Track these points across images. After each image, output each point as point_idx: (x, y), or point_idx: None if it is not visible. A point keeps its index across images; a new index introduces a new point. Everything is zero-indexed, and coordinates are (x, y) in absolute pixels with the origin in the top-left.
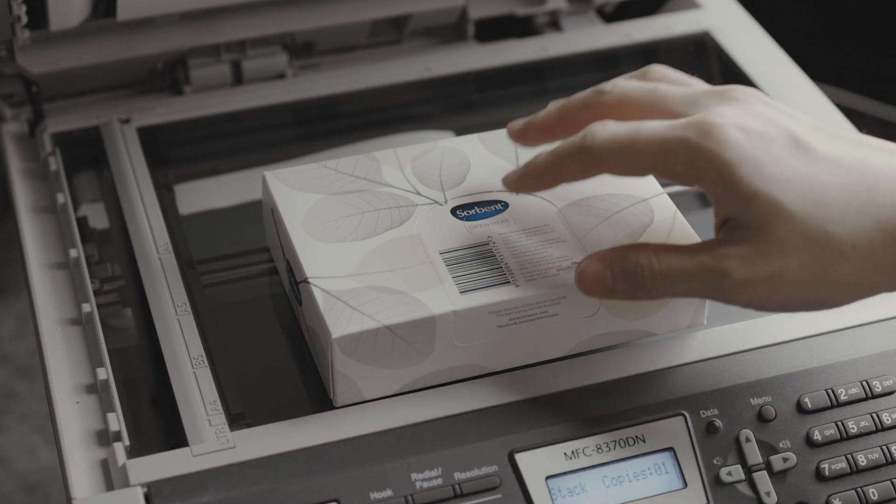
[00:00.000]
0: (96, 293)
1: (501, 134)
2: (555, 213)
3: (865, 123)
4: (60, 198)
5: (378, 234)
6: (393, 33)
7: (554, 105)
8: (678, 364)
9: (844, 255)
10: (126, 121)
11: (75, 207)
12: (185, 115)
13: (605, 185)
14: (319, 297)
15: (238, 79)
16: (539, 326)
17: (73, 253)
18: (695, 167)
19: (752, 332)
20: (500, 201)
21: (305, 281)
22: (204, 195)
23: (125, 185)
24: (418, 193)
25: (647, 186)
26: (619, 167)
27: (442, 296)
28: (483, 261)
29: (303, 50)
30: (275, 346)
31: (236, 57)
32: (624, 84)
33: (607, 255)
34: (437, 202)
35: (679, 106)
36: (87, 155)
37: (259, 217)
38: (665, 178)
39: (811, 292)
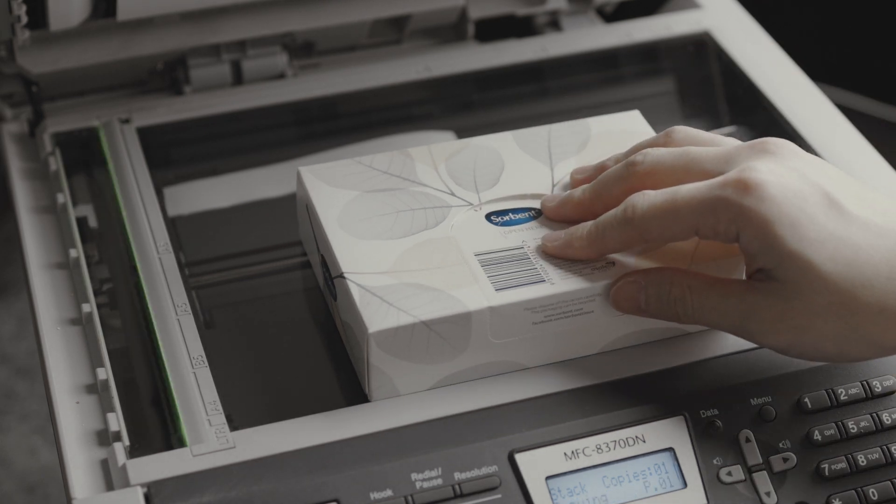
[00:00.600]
0: (96, 293)
1: (534, 132)
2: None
3: (865, 123)
4: (60, 198)
5: (413, 234)
6: (393, 33)
7: (580, 179)
8: (678, 364)
9: (870, 318)
10: (126, 121)
11: (75, 207)
12: (186, 115)
13: None
14: (356, 292)
15: (238, 79)
16: (574, 323)
17: (73, 253)
18: (735, 224)
19: None
20: (533, 208)
21: (341, 276)
22: (204, 195)
23: (125, 185)
24: (452, 194)
25: None
26: (663, 234)
27: (478, 293)
28: (518, 262)
29: (303, 50)
30: (275, 346)
31: (236, 57)
32: (655, 153)
33: (642, 279)
34: (471, 203)
35: (713, 165)
36: (87, 155)
37: (260, 216)
38: (706, 238)
39: (833, 347)
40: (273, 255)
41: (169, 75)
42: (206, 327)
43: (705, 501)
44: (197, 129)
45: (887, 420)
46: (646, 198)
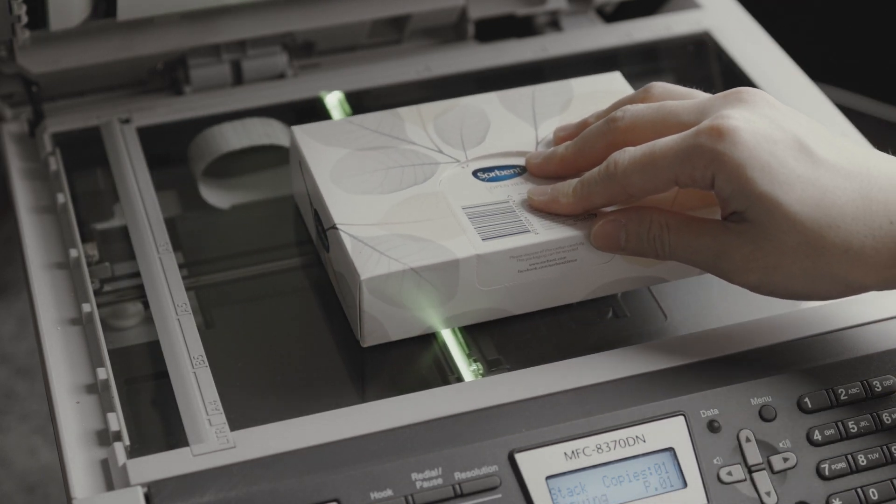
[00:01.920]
0: (96, 293)
1: (519, 93)
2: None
3: (865, 123)
4: (60, 198)
5: (403, 189)
6: (393, 33)
7: (563, 136)
8: (678, 364)
9: (836, 257)
10: (126, 121)
11: (75, 207)
12: (186, 114)
13: None
14: (348, 242)
15: (238, 79)
16: (558, 272)
17: (73, 253)
18: (710, 169)
19: (753, 332)
20: (518, 165)
21: (334, 227)
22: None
23: (125, 184)
24: (440, 152)
25: None
26: (645, 186)
27: (465, 242)
28: (503, 215)
29: (303, 50)
30: (275, 345)
31: (236, 57)
32: (634, 108)
33: (622, 217)
34: (458, 160)
35: (689, 116)
36: (87, 155)
37: (260, 216)
38: (685, 187)
39: (801, 285)
40: (273, 254)
41: (169, 75)
42: (206, 327)
43: (705, 501)
44: (197, 129)
45: (887, 420)
46: (626, 153)
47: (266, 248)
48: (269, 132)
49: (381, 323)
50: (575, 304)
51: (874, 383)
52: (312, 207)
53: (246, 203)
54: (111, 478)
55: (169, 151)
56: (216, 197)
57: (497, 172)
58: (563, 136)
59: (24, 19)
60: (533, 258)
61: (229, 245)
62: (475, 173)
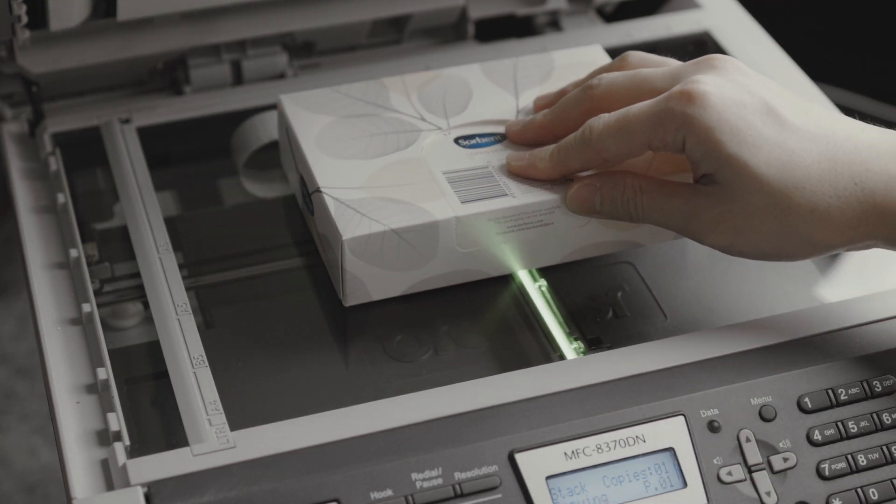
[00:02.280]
0: (96, 293)
1: (501, 64)
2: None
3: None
4: (60, 198)
5: (386, 155)
6: (393, 33)
7: (542, 104)
8: (678, 364)
9: (802, 217)
10: (126, 121)
11: (75, 207)
12: (186, 114)
13: None
14: (331, 204)
15: (238, 79)
16: (535, 234)
17: (73, 253)
18: (681, 132)
19: (753, 332)
20: (499, 133)
21: (318, 191)
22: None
23: (125, 184)
24: (423, 119)
25: None
26: (619, 151)
27: (445, 205)
28: (483, 179)
29: (303, 50)
30: (275, 345)
31: (236, 57)
32: (609, 76)
33: (597, 181)
34: (440, 128)
35: (662, 83)
36: (87, 155)
37: (260, 216)
38: (658, 150)
39: (769, 245)
40: (273, 254)
41: (169, 75)
42: (206, 327)
43: (706, 501)
44: (197, 129)
45: (887, 420)
46: (601, 119)
47: (266, 248)
48: None
49: (362, 282)
50: (574, 303)
51: (874, 383)
52: (298, 173)
53: (246, 203)
54: (111, 478)
55: (169, 151)
56: (257, 187)
57: (478, 139)
58: (542, 104)
59: (25, 19)
60: (510, 221)
61: (229, 245)
62: (456, 140)
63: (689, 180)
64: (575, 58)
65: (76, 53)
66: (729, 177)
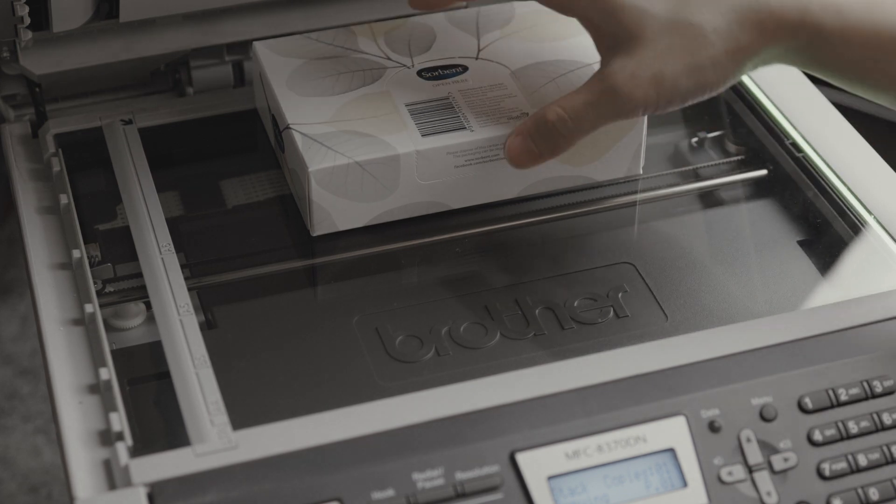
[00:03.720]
0: (98, 293)
1: (465, 12)
2: (508, 74)
3: (866, 123)
4: (63, 198)
5: (352, 91)
6: None
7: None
8: (678, 364)
9: (708, 39)
10: (129, 122)
11: (78, 208)
12: (188, 115)
13: (553, 52)
14: (299, 140)
15: (240, 80)
16: (492, 168)
17: (75, 253)
18: (580, 2)
19: (753, 332)
20: (460, 65)
21: (287, 128)
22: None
23: (127, 185)
24: (388, 59)
25: (590, 54)
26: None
27: (406, 139)
28: (443, 111)
29: None
30: (277, 346)
31: (239, 58)
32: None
33: (523, 128)
34: (405, 66)
35: None
36: (89, 156)
37: (261, 216)
38: (583, 22)
39: (690, 81)
40: (274, 254)
41: (171, 76)
42: (208, 327)
43: (706, 501)
44: (199, 130)
45: (887, 420)
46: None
47: (267, 248)
48: None
49: (328, 213)
50: (575, 303)
51: (874, 383)
52: (271, 114)
53: (247, 203)
54: (114, 478)
55: (171, 152)
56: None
57: (441, 72)
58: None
59: (27, 21)
60: (468, 154)
61: (231, 245)
62: (420, 73)
63: (632, 124)
64: (536, 6)
65: (79, 55)
66: (628, 25)
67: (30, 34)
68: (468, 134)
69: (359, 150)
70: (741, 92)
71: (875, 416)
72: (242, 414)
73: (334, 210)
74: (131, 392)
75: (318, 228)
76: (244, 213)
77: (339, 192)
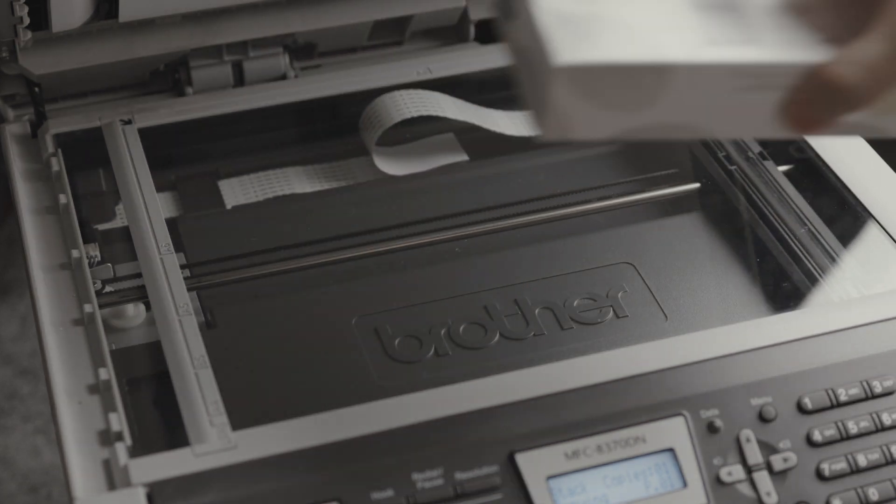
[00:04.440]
0: (98, 294)
1: None
2: None
3: None
4: (62, 198)
5: None
6: (394, 35)
7: None
8: (678, 364)
9: None
10: (128, 122)
11: (77, 208)
12: (187, 116)
13: None
14: (542, 15)
15: (240, 80)
16: (780, 98)
17: (75, 253)
18: None
19: (752, 332)
20: None
21: None
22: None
23: (127, 185)
24: None
25: None
26: None
27: (681, 42)
28: (735, 13)
29: (304, 51)
30: (277, 346)
31: (238, 58)
32: None
33: (802, 92)
34: None
35: None
36: (89, 156)
37: (261, 217)
38: None
39: None
40: (275, 254)
41: (171, 76)
42: (207, 327)
43: (706, 501)
44: (199, 130)
45: (887, 420)
46: None
47: (267, 248)
48: (441, 103)
49: (567, 116)
50: (574, 303)
51: (874, 383)
52: None
53: (247, 203)
54: (113, 478)
55: (170, 152)
56: (389, 165)
57: None
58: None
59: (27, 20)
60: (755, 78)
61: (231, 246)
62: None
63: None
64: None
65: (78, 54)
66: None
67: (29, 34)
68: (758, 52)
69: (620, 48)
70: None
71: (875, 417)
72: (242, 414)
73: (574, 114)
74: (130, 392)
75: (550, 133)
76: (244, 213)
77: (584, 95)
